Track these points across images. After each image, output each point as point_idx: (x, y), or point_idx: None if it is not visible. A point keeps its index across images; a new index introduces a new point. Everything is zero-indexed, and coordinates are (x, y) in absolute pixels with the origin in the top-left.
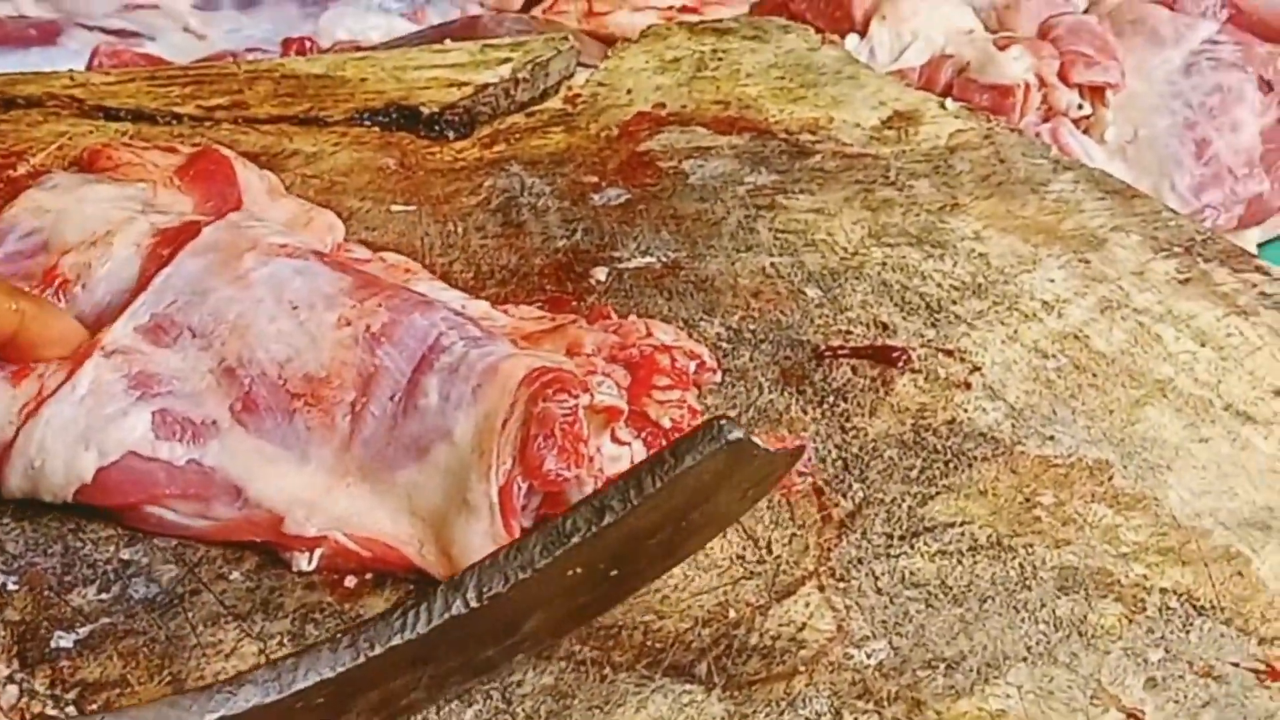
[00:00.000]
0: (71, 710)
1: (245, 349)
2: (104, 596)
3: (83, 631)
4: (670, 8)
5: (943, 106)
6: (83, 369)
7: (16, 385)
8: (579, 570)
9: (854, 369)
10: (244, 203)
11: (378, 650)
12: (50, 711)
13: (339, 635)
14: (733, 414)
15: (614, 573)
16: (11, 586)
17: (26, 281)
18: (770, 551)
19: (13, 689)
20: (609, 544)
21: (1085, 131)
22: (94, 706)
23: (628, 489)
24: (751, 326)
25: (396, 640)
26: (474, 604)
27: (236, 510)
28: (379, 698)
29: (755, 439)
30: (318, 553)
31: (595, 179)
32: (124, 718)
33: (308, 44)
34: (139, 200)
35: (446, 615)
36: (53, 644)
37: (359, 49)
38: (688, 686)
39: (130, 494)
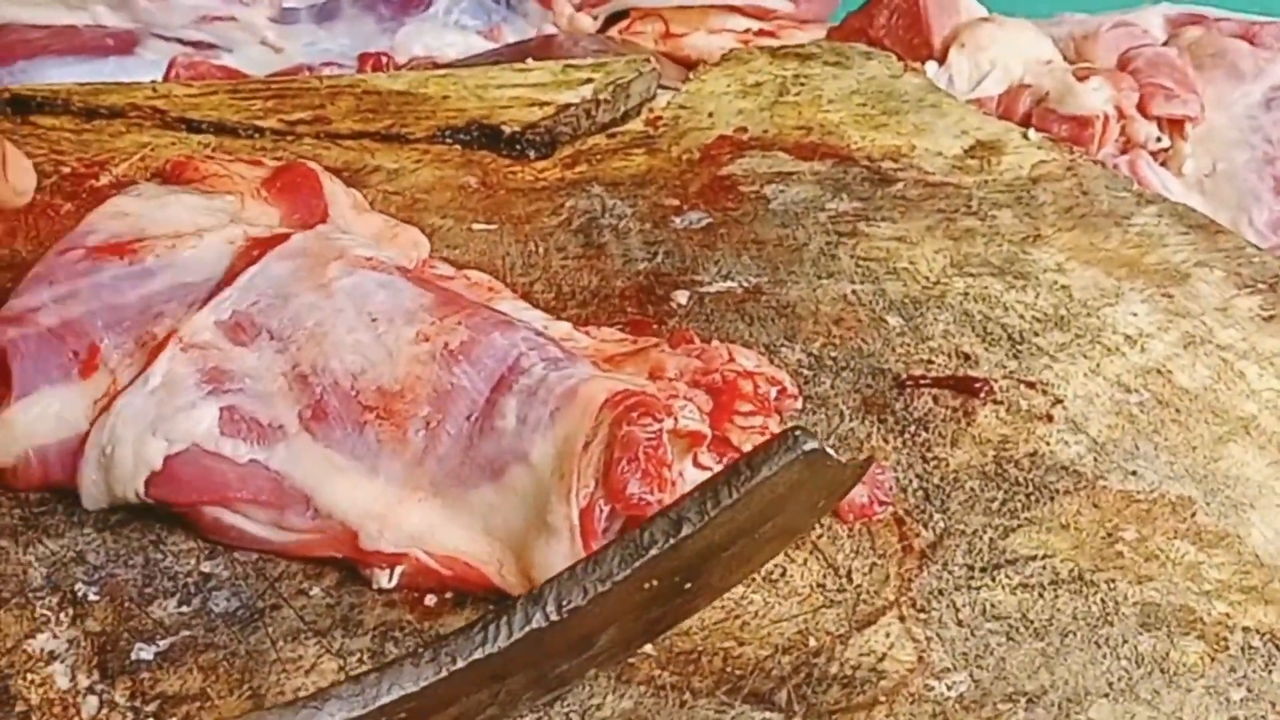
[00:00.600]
0: None
1: (321, 356)
2: (184, 609)
3: (163, 644)
4: (747, 31)
5: (1025, 137)
6: (158, 361)
7: (86, 378)
8: (655, 583)
9: (935, 399)
10: (330, 216)
11: (459, 665)
12: None
13: (421, 650)
14: None
15: (688, 585)
16: (93, 597)
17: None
18: (851, 580)
19: (93, 700)
20: (685, 556)
21: (1163, 164)
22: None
23: (704, 501)
24: (833, 354)
25: (478, 655)
26: (553, 617)
27: (309, 520)
28: (456, 713)
29: (829, 449)
30: (398, 570)
31: (676, 202)
32: None
33: (384, 59)
34: (227, 211)
35: (526, 629)
36: (133, 656)
37: (436, 65)
38: (768, 714)
39: (199, 491)
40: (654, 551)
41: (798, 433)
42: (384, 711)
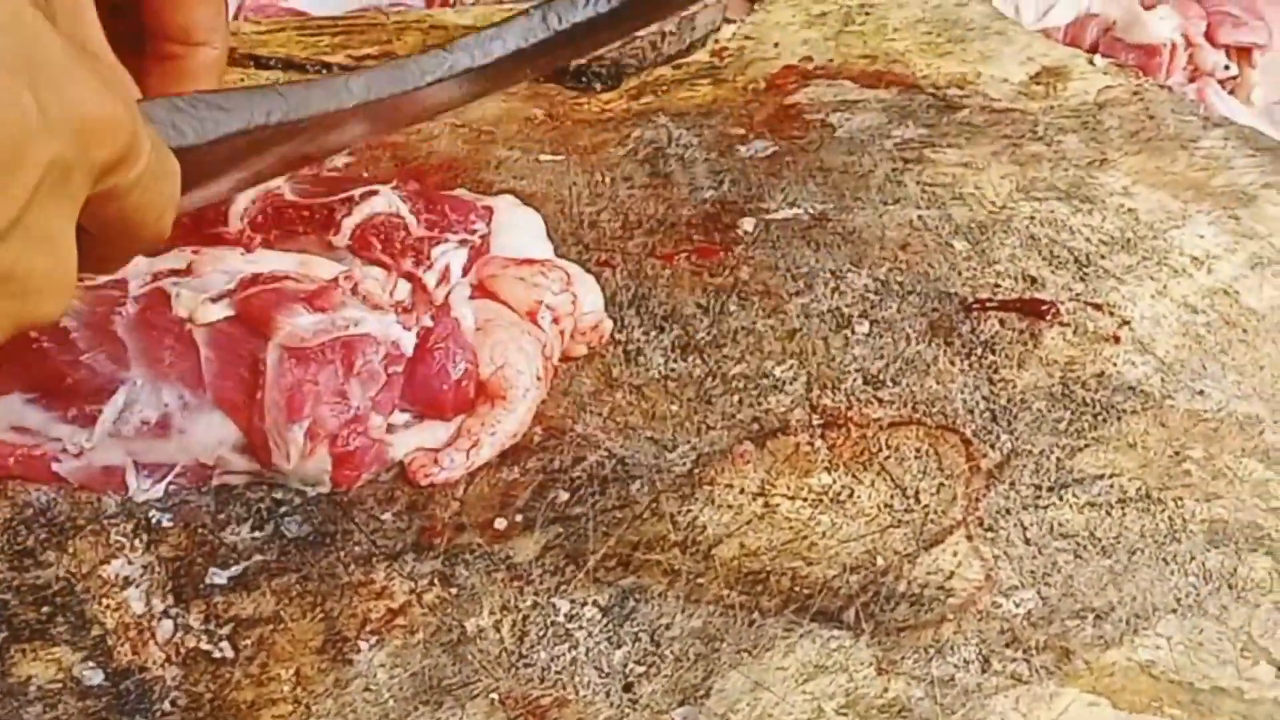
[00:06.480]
0: (226, 646)
1: None
2: (257, 535)
3: (236, 569)
4: None
5: (1091, 63)
6: None
7: None
8: None
9: (1002, 321)
10: None
11: (563, 25)
12: (204, 646)
13: (532, 10)
14: (880, 364)
15: None
16: (166, 523)
17: None
18: (918, 500)
19: (168, 623)
20: None
21: (1231, 93)
22: (248, 642)
23: None
24: (899, 278)
25: (579, 18)
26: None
27: None
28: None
29: None
30: None
31: (742, 131)
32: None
33: None
34: None
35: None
36: (207, 580)
37: (502, 1)
38: (835, 632)
39: None
40: None
41: None
42: (498, 62)
